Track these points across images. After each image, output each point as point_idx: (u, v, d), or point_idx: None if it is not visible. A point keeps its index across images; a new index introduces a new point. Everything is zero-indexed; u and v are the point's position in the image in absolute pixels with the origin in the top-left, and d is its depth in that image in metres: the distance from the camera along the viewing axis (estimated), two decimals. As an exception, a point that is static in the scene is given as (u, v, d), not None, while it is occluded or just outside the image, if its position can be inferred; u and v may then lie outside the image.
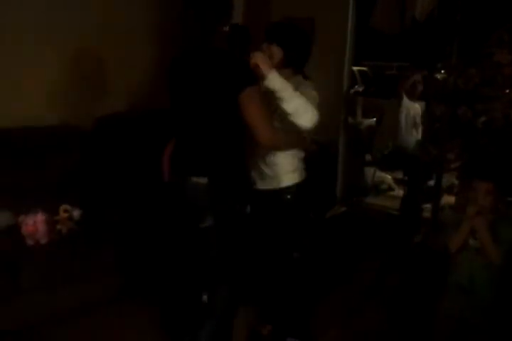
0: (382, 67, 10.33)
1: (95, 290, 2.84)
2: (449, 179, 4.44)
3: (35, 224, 2.74)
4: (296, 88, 2.21)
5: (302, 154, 2.45)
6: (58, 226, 2.85)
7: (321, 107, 4.38)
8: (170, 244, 2.80)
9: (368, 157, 5.41)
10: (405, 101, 4.81)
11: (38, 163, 3.23)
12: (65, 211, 2.92)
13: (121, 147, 3.52)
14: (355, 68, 7.98)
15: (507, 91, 3.63)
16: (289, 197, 2.37)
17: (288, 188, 2.37)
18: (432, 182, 4.32)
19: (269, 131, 2.04)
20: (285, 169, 2.36)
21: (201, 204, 2.14)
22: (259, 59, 2.08)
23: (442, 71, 3.99)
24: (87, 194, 3.19)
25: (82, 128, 3.54)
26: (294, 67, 2.36)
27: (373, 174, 5.35)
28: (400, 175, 5.30)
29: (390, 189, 5.44)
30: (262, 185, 2.40)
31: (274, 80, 2.08)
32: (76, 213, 2.94)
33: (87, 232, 2.92)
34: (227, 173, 2.12)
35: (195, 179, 2.11)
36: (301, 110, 2.12)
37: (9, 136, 3.17)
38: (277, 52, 2.29)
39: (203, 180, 2.09)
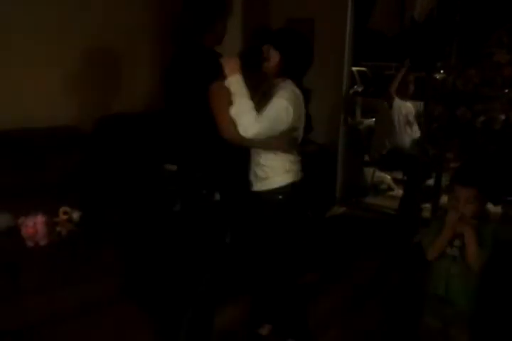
0: (381, 68, 10.34)
1: (95, 291, 2.83)
2: (449, 178, 4.44)
3: (34, 225, 2.73)
4: (271, 96, 2.26)
5: (296, 157, 2.43)
6: (58, 228, 2.84)
7: (321, 108, 4.41)
8: (162, 238, 2.83)
9: (367, 157, 5.41)
10: (396, 100, 4.83)
11: (38, 164, 3.23)
12: (65, 213, 2.91)
13: (122, 148, 3.52)
14: (354, 68, 7.99)
15: (506, 91, 3.64)
16: (280, 197, 2.37)
17: (280, 189, 2.37)
18: (431, 182, 4.33)
19: (229, 125, 2.12)
20: (276, 171, 2.36)
21: (172, 189, 2.31)
22: (225, 61, 2.15)
23: (441, 71, 4.00)
24: (86, 196, 3.18)
25: (82, 130, 3.54)
26: (288, 75, 2.35)
27: (373, 174, 5.35)
28: (399, 175, 5.31)
29: (390, 189, 5.45)
30: (257, 187, 2.43)
31: (232, 84, 2.13)
32: (76, 215, 2.93)
33: (87, 234, 2.90)
34: (195, 161, 2.25)
35: (168, 166, 2.31)
36: (238, 118, 2.13)
37: (9, 137, 3.17)
38: (274, 55, 2.31)
39: (173, 167, 2.27)
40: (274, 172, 2.36)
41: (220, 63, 2.14)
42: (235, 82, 2.13)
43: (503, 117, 3.72)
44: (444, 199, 4.37)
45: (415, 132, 4.88)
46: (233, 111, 2.13)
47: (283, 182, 2.37)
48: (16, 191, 3.02)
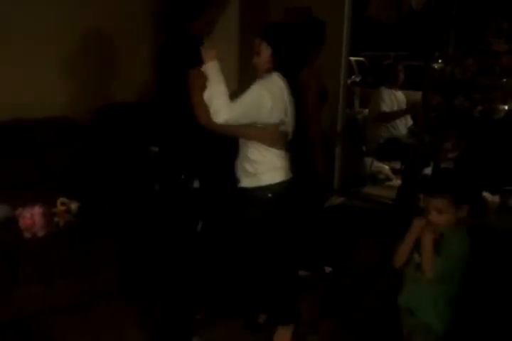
0: (380, 57, 10.30)
1: (93, 282, 2.84)
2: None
3: (32, 216, 2.73)
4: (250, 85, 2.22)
5: (285, 153, 2.35)
6: (56, 219, 2.84)
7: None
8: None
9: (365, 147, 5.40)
10: (387, 90, 4.83)
11: (36, 155, 3.23)
12: (63, 204, 2.91)
13: (119, 139, 3.51)
14: (352, 58, 7.96)
15: (504, 80, 3.62)
16: (270, 195, 2.28)
17: (269, 186, 2.28)
18: (429, 171, 4.33)
19: (205, 111, 2.12)
20: (265, 166, 2.28)
21: (152, 169, 2.38)
22: (204, 50, 2.15)
23: (439, 60, 3.97)
24: (84, 186, 3.18)
25: (80, 121, 3.54)
26: (280, 71, 2.28)
27: (371, 164, 5.35)
28: (397, 165, 5.31)
29: (388, 179, 5.45)
30: (245, 183, 2.34)
31: (208, 69, 2.13)
32: (74, 206, 2.93)
33: (85, 225, 2.91)
34: (177, 145, 2.27)
35: (152, 148, 2.35)
36: (210, 103, 2.11)
37: (6, 128, 3.17)
38: (265, 50, 2.25)
39: (155, 149, 2.33)
40: (264, 167, 2.28)
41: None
42: (211, 68, 2.13)
43: (502, 107, 3.70)
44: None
45: (408, 121, 4.88)
46: (206, 95, 2.12)
47: (273, 180, 2.29)
48: (13, 182, 3.03)
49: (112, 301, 2.86)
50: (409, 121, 4.89)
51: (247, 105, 2.16)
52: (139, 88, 3.90)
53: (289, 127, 2.36)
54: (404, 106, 4.89)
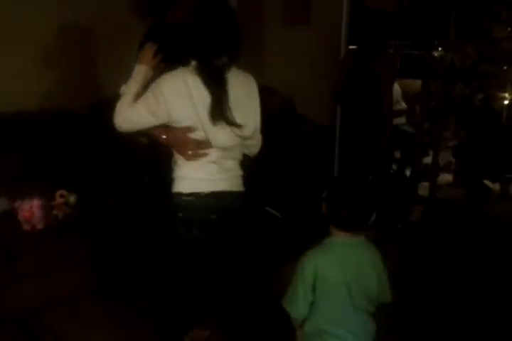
0: (380, 46, 10.24)
1: (91, 275, 2.84)
2: (446, 157, 4.47)
3: (31, 209, 2.73)
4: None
5: (202, 166, 1.95)
6: (54, 212, 2.84)
7: (318, 87, 4.34)
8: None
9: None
10: None
11: (34, 148, 3.23)
12: (61, 196, 2.91)
13: (118, 131, 3.49)
14: (351, 47, 7.90)
15: (505, 68, 3.60)
16: (172, 206, 1.98)
17: (173, 195, 1.97)
18: (428, 160, 4.33)
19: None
20: (179, 172, 1.99)
21: (142, 160, 2.40)
22: (144, 48, 2.04)
23: (439, 48, 3.95)
24: (83, 179, 3.17)
25: (78, 113, 3.52)
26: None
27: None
28: (398, 154, 5.29)
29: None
30: None
31: (136, 70, 1.99)
32: (72, 198, 2.92)
33: (83, 217, 2.91)
34: None
35: (140, 138, 2.25)
36: (121, 96, 1.97)
37: (4, 121, 3.16)
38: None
39: (144, 139, 2.24)
40: (178, 172, 1.99)
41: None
42: (139, 69, 1.99)
43: (502, 95, 3.69)
44: (442, 177, 4.38)
45: (404, 110, 4.87)
46: (121, 89, 1.99)
47: (176, 188, 1.97)
48: (12, 175, 3.04)
49: (112, 293, 2.85)
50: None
51: (141, 108, 1.92)
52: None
53: (209, 132, 1.90)
54: (398, 96, 4.86)
